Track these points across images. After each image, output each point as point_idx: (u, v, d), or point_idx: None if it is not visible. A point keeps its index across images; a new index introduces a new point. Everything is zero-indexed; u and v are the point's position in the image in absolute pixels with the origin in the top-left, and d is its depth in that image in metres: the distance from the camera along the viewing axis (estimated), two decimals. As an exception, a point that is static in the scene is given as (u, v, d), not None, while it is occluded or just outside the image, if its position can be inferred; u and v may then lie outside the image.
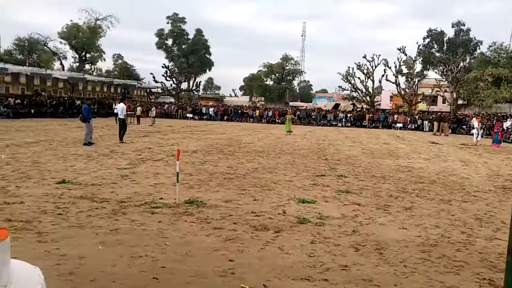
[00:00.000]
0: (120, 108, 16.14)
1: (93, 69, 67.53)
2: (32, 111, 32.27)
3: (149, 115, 30.95)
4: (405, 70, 49.98)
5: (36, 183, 7.63)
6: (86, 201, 6.43)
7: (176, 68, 58.77)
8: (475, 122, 23.82)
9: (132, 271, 3.93)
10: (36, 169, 9.13)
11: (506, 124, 28.45)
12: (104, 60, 61.85)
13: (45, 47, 56.78)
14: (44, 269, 1.42)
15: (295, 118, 33.51)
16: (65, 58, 59.03)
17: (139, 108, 31.33)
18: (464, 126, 34.96)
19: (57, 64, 60.44)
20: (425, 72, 54.97)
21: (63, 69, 57.28)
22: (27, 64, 51.53)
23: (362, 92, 51.52)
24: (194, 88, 61.89)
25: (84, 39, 52.29)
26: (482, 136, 24.11)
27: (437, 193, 8.31)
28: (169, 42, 68.17)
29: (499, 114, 34.92)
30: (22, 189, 7.11)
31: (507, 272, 0.96)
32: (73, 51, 54.56)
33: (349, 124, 40.99)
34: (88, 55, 56.22)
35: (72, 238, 4.73)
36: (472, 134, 24.27)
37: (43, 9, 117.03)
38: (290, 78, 76.68)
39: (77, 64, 57.23)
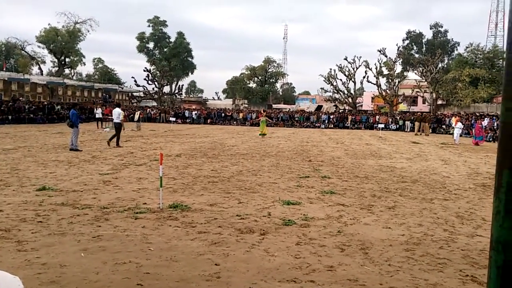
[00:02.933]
0: (116, 113, 16.41)
1: (73, 74, 66.29)
2: (10, 117, 31.52)
3: (134, 119, 30.54)
4: (385, 72, 50.76)
5: (15, 191, 7.44)
6: (68, 208, 6.30)
7: (158, 72, 58.28)
8: (453, 122, 24.38)
9: (116, 277, 3.86)
10: (15, 176, 8.91)
11: (484, 123, 29.15)
12: (84, 64, 60.78)
13: (23, 51, 55.44)
14: (24, 279, 1.38)
15: (269, 121, 31.13)
16: (44, 62, 57.82)
17: (122, 113, 30.98)
18: (444, 126, 35.68)
19: (35, 69, 59.21)
20: (405, 73, 55.94)
21: (42, 74, 56.04)
22: (4, 69, 50.40)
23: (344, 93, 52.09)
24: (176, 91, 61.51)
25: (63, 43, 51.25)
26: (461, 135, 24.66)
27: (419, 192, 8.45)
28: (151, 45, 67.65)
29: (477, 114, 35.76)
30: (0, 197, 6.92)
31: (490, 267, 0.97)
32: (52, 55, 53.40)
33: (332, 126, 41.37)
34: (67, 59, 55.12)
35: (53, 246, 4.63)
36: (452, 134, 24.79)
37: (20, 13, 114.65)
38: (273, 80, 76.91)
39: (56, 68, 56.08)
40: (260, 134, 23.45)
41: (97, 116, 30.00)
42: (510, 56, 0.98)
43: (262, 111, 32.68)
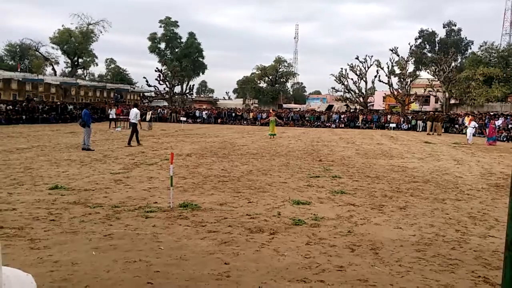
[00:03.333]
0: (133, 113, 16.79)
1: (85, 74, 67.14)
2: (24, 117, 32.04)
3: (146, 119, 30.76)
4: (397, 71, 50.34)
5: (28, 189, 7.55)
6: (79, 207, 6.37)
7: (169, 72, 58.65)
8: (467, 121, 24.03)
9: (127, 276, 3.89)
10: (29, 175, 9.05)
11: (498, 123, 28.68)
12: (97, 64, 61.48)
13: (37, 52, 56.27)
14: (37, 276, 1.40)
15: (279, 121, 31.08)
16: (57, 63, 58.64)
17: (138, 113, 31.29)
18: (456, 125, 35.23)
19: (49, 70, 60.09)
20: (417, 73, 55.39)
21: (55, 74, 56.82)
22: (18, 70, 51.21)
23: (355, 93, 51.77)
24: (187, 91, 61.77)
25: (76, 44, 51.91)
26: (474, 135, 24.30)
27: (431, 192, 8.35)
28: (162, 46, 68.02)
29: (491, 113, 35.21)
30: (14, 195, 7.03)
31: (506, 268, 0.95)
32: (65, 56, 54.12)
33: (343, 125, 41.15)
34: (80, 60, 55.81)
35: (65, 244, 4.68)
36: (465, 133, 24.45)
37: (35, 15, 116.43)
38: (284, 80, 76.79)
39: (69, 69, 56.81)
40: (269, 134, 23.14)
41: (110, 116, 30.33)
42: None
43: (271, 111, 31.94)
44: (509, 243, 0.94)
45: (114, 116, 29.75)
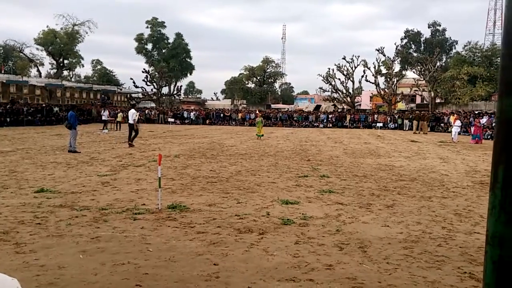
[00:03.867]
0: (130, 114, 17.47)
1: (71, 75, 66.27)
2: (8, 119, 31.48)
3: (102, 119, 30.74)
4: (384, 71, 50.80)
5: (13, 193, 7.42)
6: (66, 210, 6.29)
7: (156, 73, 58.21)
8: (452, 120, 24.40)
9: (115, 279, 3.86)
10: (13, 178, 8.90)
11: (482, 121, 29.18)
12: (83, 66, 60.97)
13: (21, 53, 55.34)
14: (23, 281, 1.38)
15: (265, 121, 30.19)
16: (42, 64, 57.68)
17: (120, 114, 30.94)
18: (442, 124, 35.72)
19: (33, 71, 59.08)
20: (403, 72, 55.96)
21: (40, 76, 55.94)
22: (2, 72, 50.28)
23: (342, 93, 52.07)
24: (175, 92, 61.42)
25: (61, 45, 51.16)
26: (460, 133, 24.68)
27: (417, 190, 8.45)
28: (149, 46, 67.59)
29: (475, 112, 35.80)
30: (-2, 199, 6.91)
31: (486, 262, 0.97)
32: (50, 57, 53.29)
33: (331, 125, 41.38)
34: (66, 61, 55.04)
35: (52, 248, 4.62)
36: (450, 132, 24.81)
37: (18, 15, 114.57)
38: (272, 80, 76.87)
39: (55, 70, 56.03)
40: (257, 135, 22.86)
41: (103, 118, 29.89)
42: (505, 53, 0.98)
43: (258, 112, 30.52)
44: (489, 237, 0.95)
45: (107, 118, 29.40)
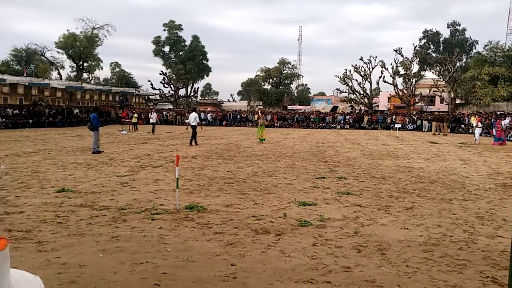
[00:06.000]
0: (193, 116, 19.29)
1: (90, 78, 67.49)
2: (31, 121, 32.28)
3: (150, 122, 30.46)
4: (402, 71, 50.12)
5: (36, 193, 7.60)
6: (86, 209, 6.40)
7: (173, 75, 58.83)
8: (474, 121, 23.88)
9: (133, 278, 3.91)
10: (36, 178, 9.11)
11: (504, 122, 28.46)
12: (102, 68, 61.78)
13: (42, 57, 56.73)
14: (44, 278, 1.41)
15: (266, 122, 26.86)
16: (63, 67, 58.97)
17: (135, 116, 31.31)
18: (462, 125, 35.01)
19: (54, 74, 60.44)
20: (422, 73, 55.12)
21: (61, 79, 57.20)
22: (24, 75, 51.60)
23: (360, 94, 51.60)
24: (192, 94, 61.91)
25: (81, 48, 52.18)
26: (481, 135, 24.13)
27: (437, 192, 8.30)
28: (166, 49, 68.22)
29: (497, 113, 34.97)
30: (21, 198, 7.08)
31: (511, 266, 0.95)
32: (71, 60, 54.41)
33: (348, 126, 41.05)
34: (85, 64, 56.10)
35: (73, 247, 4.71)
36: (472, 133, 24.28)
37: (40, 20, 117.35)
38: (288, 82, 76.68)
39: (75, 73, 57.17)
40: (258, 139, 20.51)
41: (151, 121, 29.15)
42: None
43: (259, 113, 25.22)
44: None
45: (155, 121, 28.53)
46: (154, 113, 30.47)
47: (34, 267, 4.04)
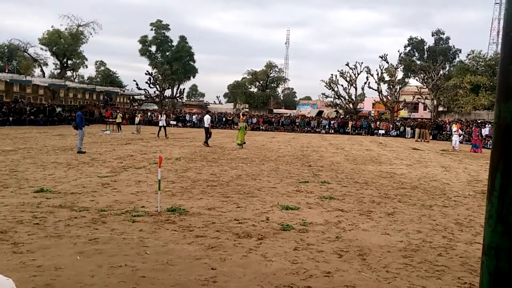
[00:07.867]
0: (206, 119, 20.27)
1: (74, 76, 66.50)
2: (11, 118, 31.56)
3: (134, 122, 30.02)
4: (387, 78, 50.78)
5: (13, 192, 7.42)
6: (65, 210, 6.27)
7: (159, 75, 58.34)
8: (454, 128, 24.35)
9: (111, 281, 3.83)
10: (14, 177, 8.89)
11: (485, 131, 29.07)
12: (86, 66, 60.98)
13: (25, 53, 55.60)
14: (18, 281, 1.37)
15: (249, 127, 26.37)
16: (46, 64, 57.87)
17: (119, 115, 30.90)
18: (444, 132, 35.64)
19: (37, 71, 59.30)
20: (406, 80, 55.95)
21: (44, 76, 56.14)
22: (6, 71, 50.46)
23: (345, 99, 52.06)
24: (178, 95, 61.51)
25: (65, 45, 51.32)
26: (462, 142, 24.60)
27: (418, 198, 8.41)
28: (153, 49, 67.70)
29: (477, 121, 35.71)
30: (-2, 198, 6.90)
31: (482, 273, 0.95)
32: (54, 57, 53.51)
33: (333, 131, 41.36)
34: (69, 62, 55.22)
35: (49, 249, 4.60)
36: (451, 140, 24.74)
37: (23, 15, 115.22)
38: (274, 85, 76.89)
39: (58, 70, 56.26)
40: (237, 144, 19.05)
41: (160, 123, 27.39)
42: (504, 56, 0.96)
43: (241, 115, 23.12)
44: (485, 248, 0.94)
45: (165, 124, 25.72)
46: (164, 115, 27.88)
47: (8, 269, 3.92)
